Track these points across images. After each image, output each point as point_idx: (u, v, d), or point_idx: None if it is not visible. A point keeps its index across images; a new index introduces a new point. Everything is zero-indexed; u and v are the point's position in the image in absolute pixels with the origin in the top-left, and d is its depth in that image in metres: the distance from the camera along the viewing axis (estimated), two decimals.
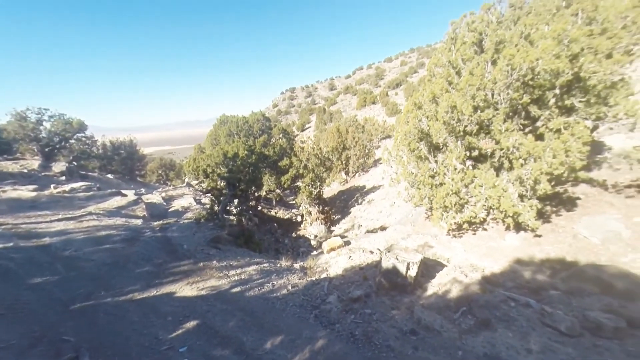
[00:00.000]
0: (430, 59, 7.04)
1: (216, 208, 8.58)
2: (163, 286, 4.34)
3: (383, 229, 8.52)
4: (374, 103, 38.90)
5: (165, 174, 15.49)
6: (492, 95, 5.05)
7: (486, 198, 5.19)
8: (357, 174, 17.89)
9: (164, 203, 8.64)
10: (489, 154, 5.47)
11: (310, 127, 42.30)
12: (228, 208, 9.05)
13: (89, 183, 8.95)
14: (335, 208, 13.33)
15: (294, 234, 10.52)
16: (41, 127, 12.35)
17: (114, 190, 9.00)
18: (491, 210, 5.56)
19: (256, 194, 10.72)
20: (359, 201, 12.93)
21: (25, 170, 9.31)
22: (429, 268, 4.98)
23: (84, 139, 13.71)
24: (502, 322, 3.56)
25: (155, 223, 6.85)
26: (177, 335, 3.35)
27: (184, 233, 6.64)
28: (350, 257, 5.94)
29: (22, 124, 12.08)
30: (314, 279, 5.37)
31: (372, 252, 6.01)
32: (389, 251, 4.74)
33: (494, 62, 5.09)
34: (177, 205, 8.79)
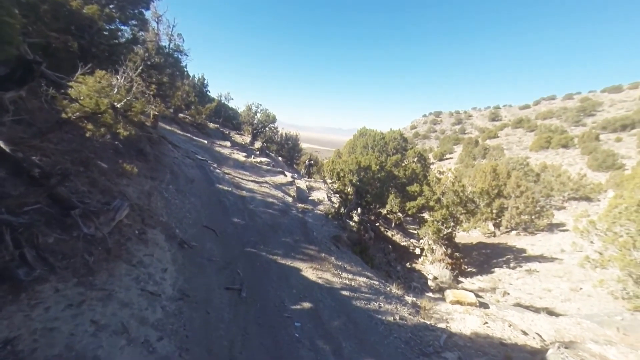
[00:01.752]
0: None
1: (342, 210, 9.10)
2: (295, 261, 5.00)
3: (551, 313, 5.85)
4: (565, 147, 28.17)
5: (310, 167, 18.53)
6: None
7: None
8: (514, 232, 13.58)
9: (306, 190, 10.23)
10: None
11: (451, 158, 36.85)
12: (351, 214, 9.38)
13: (269, 160, 12.27)
14: (470, 259, 10.69)
15: (408, 264, 9.35)
16: (255, 116, 18.36)
17: (280, 169, 11.79)
18: None
19: (378, 210, 10.46)
20: (511, 265, 9.69)
21: (243, 143, 14.13)
22: None
23: (273, 128, 19.20)
24: None
25: (299, 205, 8.20)
26: (296, 309, 3.71)
27: (315, 222, 7.47)
28: (486, 323, 4.47)
29: (248, 112, 19.02)
30: (428, 322, 4.48)
31: (525, 334, 4.25)
32: (566, 347, 3.21)
33: None
34: (314, 195, 10.14)
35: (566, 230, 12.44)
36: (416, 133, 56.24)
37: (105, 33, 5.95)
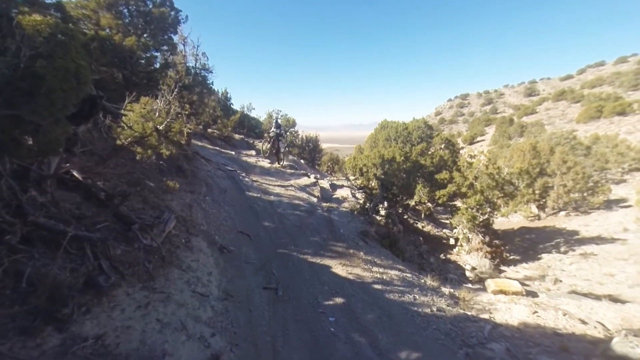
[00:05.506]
0: None
1: (367, 205, 9.06)
2: (324, 258, 5.15)
3: (615, 300, 5.31)
4: (621, 114, 24.68)
5: (332, 166, 18.60)
6: None
7: None
8: (563, 213, 12.35)
9: (330, 189, 10.37)
10: None
11: (483, 140, 34.20)
12: (377, 208, 9.29)
13: (293, 164, 12.65)
14: (512, 246, 9.97)
15: (442, 256, 9.01)
16: (284, 128, 19.26)
17: (303, 171, 12.10)
18: None
19: (405, 202, 10.20)
20: (562, 249, 8.86)
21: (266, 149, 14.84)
22: None
23: (293, 132, 19.74)
24: None
25: (324, 204, 8.36)
26: (329, 305, 3.85)
27: (342, 219, 7.57)
28: (535, 312, 4.22)
29: (269, 119, 19.64)
30: (468, 313, 4.35)
31: (584, 323, 3.94)
32: (635, 335, 2.97)
33: None
34: (338, 194, 10.24)
35: (629, 205, 11.01)
36: (442, 119, 53.29)
37: (142, 61, 6.66)
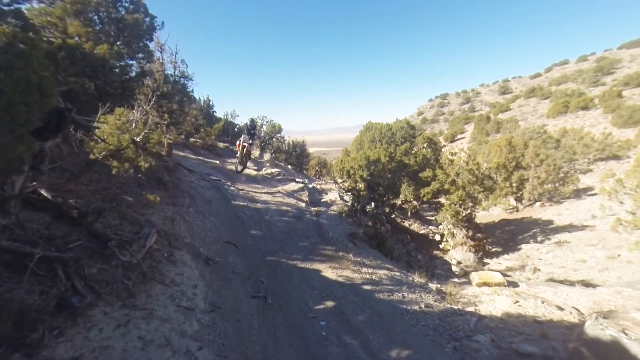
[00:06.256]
0: None
1: (355, 207, 9.18)
2: (314, 263, 5.15)
3: (587, 284, 5.64)
4: (585, 108, 26.63)
5: (320, 171, 18.67)
6: None
7: None
8: (538, 203, 13.03)
9: (318, 194, 10.42)
10: None
11: (463, 137, 35.73)
12: (365, 209, 9.42)
13: (280, 170, 12.61)
14: (494, 238, 10.39)
15: (429, 252, 9.25)
16: (261, 129, 18.93)
17: (291, 177, 12.09)
18: None
19: (392, 202, 10.42)
20: (539, 239, 9.33)
21: (252, 157, 14.58)
22: None
23: (279, 138, 19.61)
24: None
25: (312, 209, 8.39)
26: (320, 309, 3.85)
27: (330, 222, 7.61)
28: (517, 302, 4.41)
29: (245, 125, 19.33)
30: (455, 307, 4.48)
31: (560, 309, 4.16)
32: (605, 317, 3.17)
33: None
34: (326, 197, 10.31)
35: (595, 194, 11.80)
36: (424, 119, 55.09)
37: (116, 70, 6.38)
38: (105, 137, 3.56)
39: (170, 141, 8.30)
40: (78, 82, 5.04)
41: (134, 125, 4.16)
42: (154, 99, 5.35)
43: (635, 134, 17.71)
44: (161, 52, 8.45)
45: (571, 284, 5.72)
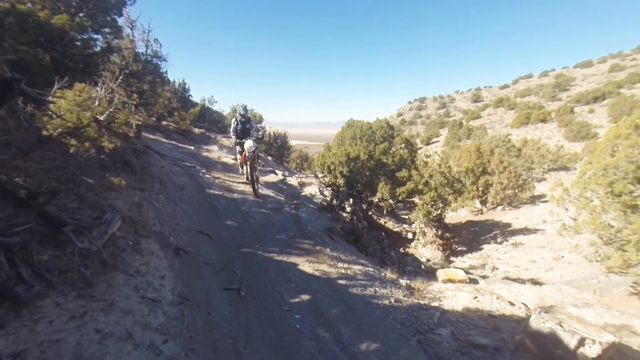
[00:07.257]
0: None
1: (334, 202, 9.28)
2: (291, 256, 5.10)
3: (535, 283, 6.24)
4: (543, 121, 29.30)
5: (301, 164, 18.55)
6: None
7: None
8: (500, 207, 14.15)
9: (298, 187, 10.34)
10: None
11: (438, 141, 37.72)
12: (343, 205, 9.57)
13: (260, 161, 12.25)
14: (460, 238, 11.12)
15: (401, 249, 9.67)
16: (262, 127, 18.44)
17: (271, 168, 11.84)
18: None
19: (369, 199, 10.70)
20: (498, 240, 10.15)
21: (230, 145, 14.01)
22: None
23: (260, 128, 19.19)
24: None
25: (292, 202, 8.28)
26: (295, 302, 3.83)
27: (309, 216, 7.59)
28: (475, 297, 4.75)
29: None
30: (422, 302, 4.72)
31: (512, 304, 4.56)
32: (546, 312, 3.52)
33: None
34: (306, 191, 10.26)
35: (546, 201, 13.08)
36: (403, 120, 57.16)
37: (77, 44, 5.78)
38: (62, 112, 3.18)
39: (140, 122, 7.69)
40: (30, 52, 4.45)
41: (97, 102, 3.77)
42: (121, 77, 4.91)
43: (582, 148, 19.90)
44: (132, 29, 7.76)
45: (522, 282, 6.32)
